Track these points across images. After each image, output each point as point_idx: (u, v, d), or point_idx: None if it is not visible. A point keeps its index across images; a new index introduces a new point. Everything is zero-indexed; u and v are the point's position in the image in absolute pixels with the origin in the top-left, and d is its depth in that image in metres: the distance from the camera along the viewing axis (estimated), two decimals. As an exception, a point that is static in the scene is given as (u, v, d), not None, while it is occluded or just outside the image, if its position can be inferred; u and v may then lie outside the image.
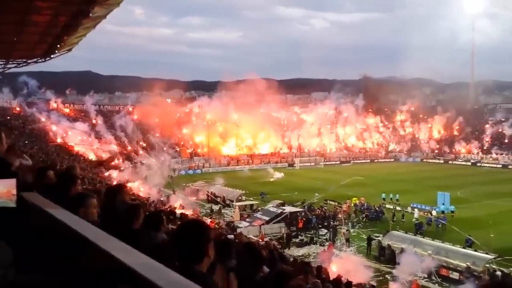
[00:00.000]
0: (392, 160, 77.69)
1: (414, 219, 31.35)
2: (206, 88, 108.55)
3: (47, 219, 2.92)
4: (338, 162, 72.96)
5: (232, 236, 13.90)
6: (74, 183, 4.74)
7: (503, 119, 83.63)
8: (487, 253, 22.08)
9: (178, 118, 73.54)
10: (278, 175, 53.89)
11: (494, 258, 21.71)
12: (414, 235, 26.56)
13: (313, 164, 69.26)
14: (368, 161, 75.45)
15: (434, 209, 33.25)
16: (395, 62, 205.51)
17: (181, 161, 63.42)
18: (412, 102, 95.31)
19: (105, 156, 51.87)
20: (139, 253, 2.33)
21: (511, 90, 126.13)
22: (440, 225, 29.99)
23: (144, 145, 65.90)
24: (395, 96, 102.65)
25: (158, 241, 3.99)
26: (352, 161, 74.28)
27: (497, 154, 73.10)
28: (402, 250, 23.27)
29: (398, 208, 35.00)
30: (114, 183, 27.35)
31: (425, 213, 33.16)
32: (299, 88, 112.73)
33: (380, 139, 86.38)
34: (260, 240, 25.46)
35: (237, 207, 34.44)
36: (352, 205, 35.41)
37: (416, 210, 33.59)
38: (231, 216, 33.69)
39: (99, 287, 1.97)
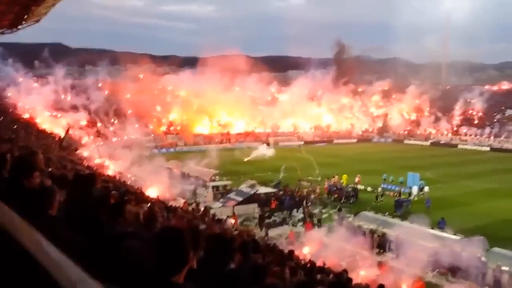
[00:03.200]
0: (364, 140, 78.59)
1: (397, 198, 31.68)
2: (180, 63, 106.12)
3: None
4: (312, 142, 73.33)
5: (204, 226, 13.58)
6: (31, 174, 4.16)
7: (473, 101, 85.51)
8: (454, 234, 22.61)
9: (151, 94, 71.75)
10: (266, 151, 52.18)
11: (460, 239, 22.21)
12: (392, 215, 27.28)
13: (287, 143, 69.36)
14: (342, 141, 76.11)
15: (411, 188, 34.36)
16: (370, 41, 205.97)
17: (153, 139, 62.28)
18: (385, 82, 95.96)
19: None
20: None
21: (482, 72, 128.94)
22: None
23: (115, 121, 64.28)
24: (369, 75, 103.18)
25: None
26: (325, 141, 74.84)
27: (466, 135, 75.03)
28: (371, 231, 23.76)
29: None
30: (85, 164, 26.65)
31: (394, 194, 33.79)
32: (274, 66, 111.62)
33: (353, 119, 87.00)
34: (233, 220, 25.42)
35: (210, 187, 34.14)
36: (326, 185, 35.72)
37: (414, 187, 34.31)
38: (205, 196, 33.37)
39: None
